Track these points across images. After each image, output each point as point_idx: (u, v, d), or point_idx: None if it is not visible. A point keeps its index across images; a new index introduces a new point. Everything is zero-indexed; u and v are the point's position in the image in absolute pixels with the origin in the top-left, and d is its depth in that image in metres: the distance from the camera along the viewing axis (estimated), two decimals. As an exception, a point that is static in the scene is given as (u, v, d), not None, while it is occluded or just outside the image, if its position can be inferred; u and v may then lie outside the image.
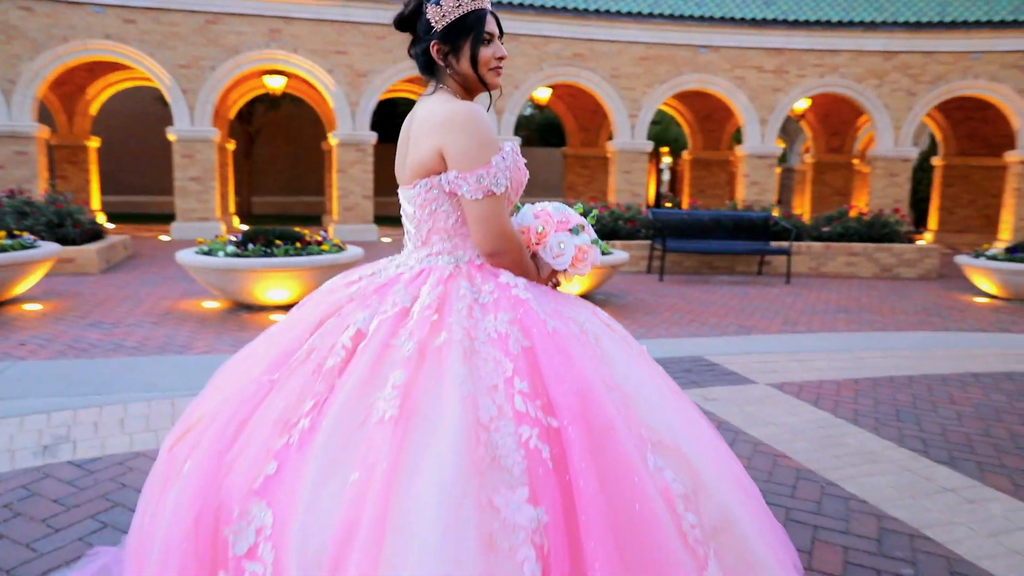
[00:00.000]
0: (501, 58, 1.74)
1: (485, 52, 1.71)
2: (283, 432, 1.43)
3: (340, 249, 6.49)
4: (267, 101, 18.01)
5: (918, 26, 14.21)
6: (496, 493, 1.27)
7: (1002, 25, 14.04)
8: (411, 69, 13.28)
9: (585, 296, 7.52)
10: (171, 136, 12.58)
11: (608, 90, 14.30)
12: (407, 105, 20.14)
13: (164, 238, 12.88)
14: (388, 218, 18.26)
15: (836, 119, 18.62)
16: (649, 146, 14.87)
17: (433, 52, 1.71)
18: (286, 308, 6.33)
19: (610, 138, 16.23)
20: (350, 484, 1.28)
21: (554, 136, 26.90)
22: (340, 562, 1.21)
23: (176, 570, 1.39)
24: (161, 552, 1.45)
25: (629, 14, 14.02)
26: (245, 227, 14.93)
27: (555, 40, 13.83)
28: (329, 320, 1.64)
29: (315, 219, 18.97)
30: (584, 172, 19.05)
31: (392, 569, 1.17)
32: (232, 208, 16.37)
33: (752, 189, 15.14)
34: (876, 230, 10.98)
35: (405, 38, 1.80)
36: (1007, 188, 15.08)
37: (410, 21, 1.76)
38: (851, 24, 14.35)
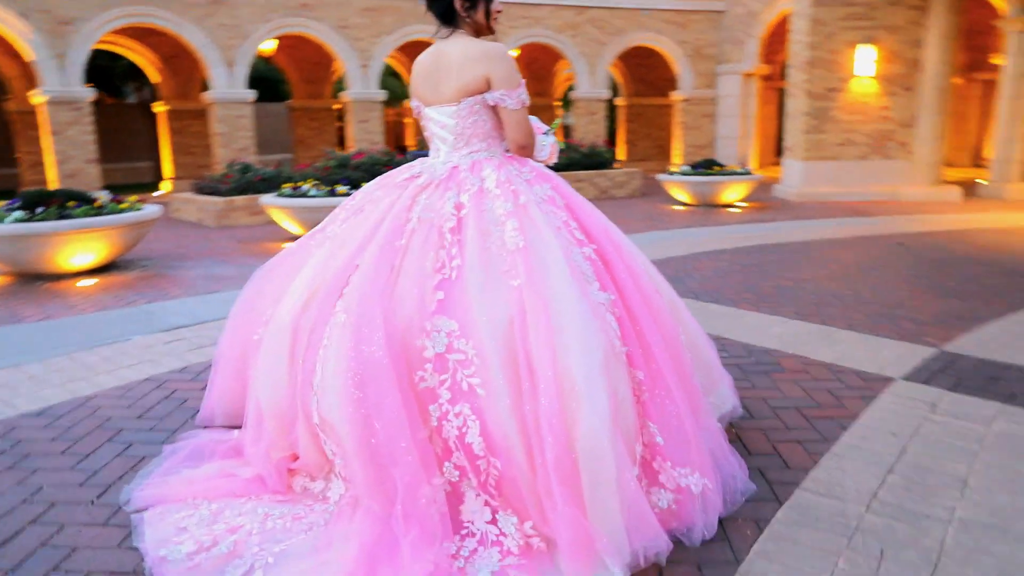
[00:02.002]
0: (499, 11, 2.44)
1: (492, 6, 2.40)
2: (438, 272, 2.07)
3: (140, 206, 6.25)
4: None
5: (600, -15, 16.63)
6: (585, 286, 2.09)
7: (660, -14, 17.06)
8: (125, 18, 12.07)
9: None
10: None
11: (338, 41, 14.47)
12: (110, 58, 17.86)
13: None
14: (118, 187, 16.27)
15: (538, 66, 20.89)
16: (383, 95, 15.44)
17: (457, 5, 2.34)
18: (91, 273, 5.99)
19: (340, 90, 16.36)
20: (514, 287, 1.99)
21: (267, 91, 25.73)
22: (524, 330, 1.94)
23: (379, 380, 1.95)
24: (351, 378, 1.97)
25: (352, -36, 14.24)
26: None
27: (281, -11, 13.56)
28: (418, 203, 2.26)
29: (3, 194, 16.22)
30: (313, 124, 18.92)
31: (560, 323, 1.92)
32: None
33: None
34: (593, 159, 13.07)
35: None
36: (674, 122, 18.60)
37: None
38: (548, -19, 16.27)
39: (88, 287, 5.59)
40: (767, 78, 18.69)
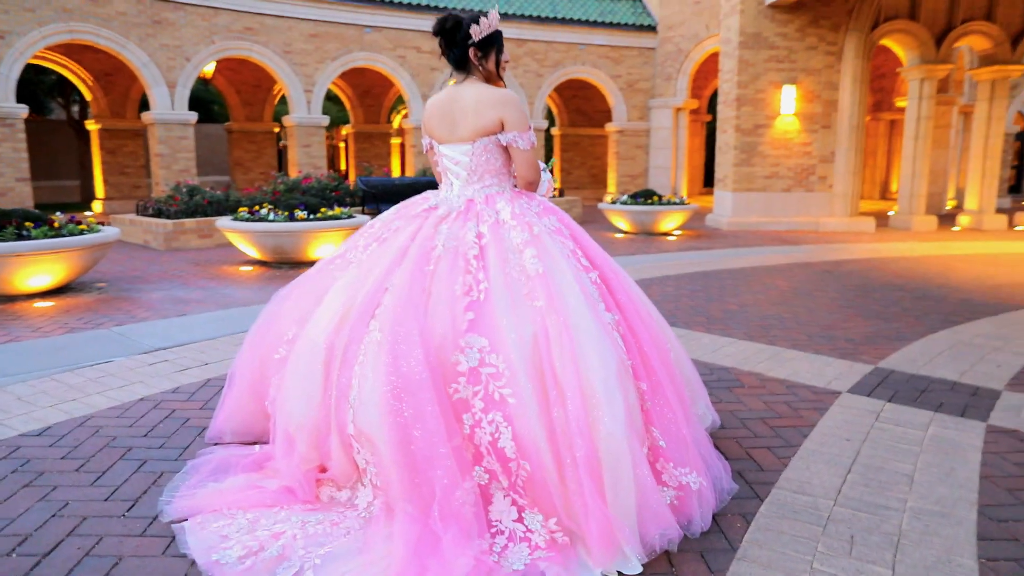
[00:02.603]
0: (507, 61, 2.72)
1: (502, 57, 2.68)
2: (466, 295, 2.30)
3: (98, 228, 6.17)
4: None
5: (540, 20, 17.24)
6: (595, 306, 2.36)
7: (595, 24, 17.82)
8: (65, 35, 11.76)
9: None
10: None
11: (282, 65, 14.48)
12: (35, 72, 17.23)
13: None
14: (44, 206, 15.61)
15: (477, 96, 21.32)
16: (325, 120, 15.48)
17: (471, 55, 2.61)
18: (47, 295, 5.87)
19: (280, 113, 16.31)
20: (537, 308, 2.24)
21: (200, 112, 25.27)
22: (547, 346, 2.18)
23: (419, 393, 2.15)
24: (390, 391, 2.17)
25: (297, -10, 14.33)
26: None
27: (225, 12, 13.50)
28: (440, 232, 2.48)
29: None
30: (251, 147, 18.72)
31: (579, 339, 2.18)
32: None
33: (420, 159, 16.81)
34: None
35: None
36: (609, 152, 19.32)
37: (450, 32, 2.61)
38: (489, 14, 16.74)
39: (47, 308, 5.49)
40: (695, 112, 19.70)
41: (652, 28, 18.04)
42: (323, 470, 2.47)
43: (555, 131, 21.63)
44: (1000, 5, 12.39)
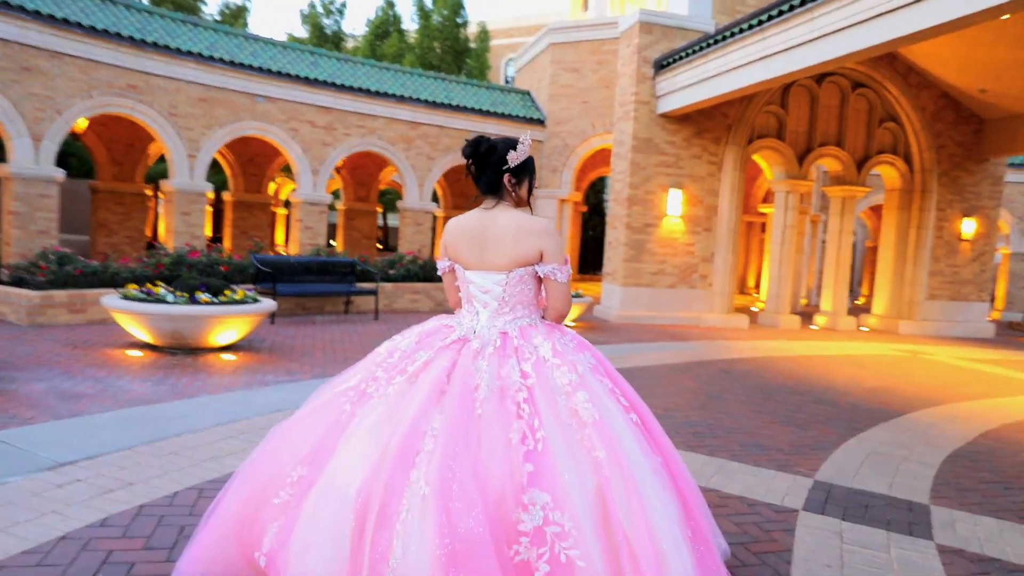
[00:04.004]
0: (537, 186, 2.70)
1: (534, 184, 2.65)
2: (523, 443, 2.15)
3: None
4: None
5: (434, 104, 17.57)
6: (639, 444, 2.30)
7: (487, 113, 18.39)
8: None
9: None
10: None
11: (166, 128, 13.67)
12: None
13: None
14: None
15: (364, 172, 21.20)
16: (209, 188, 14.67)
17: (505, 180, 2.56)
18: None
19: (159, 177, 15.19)
20: (599, 459, 2.13)
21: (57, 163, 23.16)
22: (612, 498, 2.08)
23: (479, 557, 1.94)
24: (443, 555, 1.95)
25: (189, 53, 13.73)
26: None
27: (107, 67, 12.62)
28: (479, 369, 2.34)
29: None
30: (119, 209, 17.31)
31: (647, 495, 2.10)
32: None
33: (306, 233, 16.29)
34: (429, 271, 13.37)
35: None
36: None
37: (484, 155, 2.56)
38: (386, 95, 16.88)
39: None
40: (575, 203, 20.62)
41: (541, 122, 18.90)
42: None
43: (438, 212, 21.79)
44: (847, 135, 14.17)
